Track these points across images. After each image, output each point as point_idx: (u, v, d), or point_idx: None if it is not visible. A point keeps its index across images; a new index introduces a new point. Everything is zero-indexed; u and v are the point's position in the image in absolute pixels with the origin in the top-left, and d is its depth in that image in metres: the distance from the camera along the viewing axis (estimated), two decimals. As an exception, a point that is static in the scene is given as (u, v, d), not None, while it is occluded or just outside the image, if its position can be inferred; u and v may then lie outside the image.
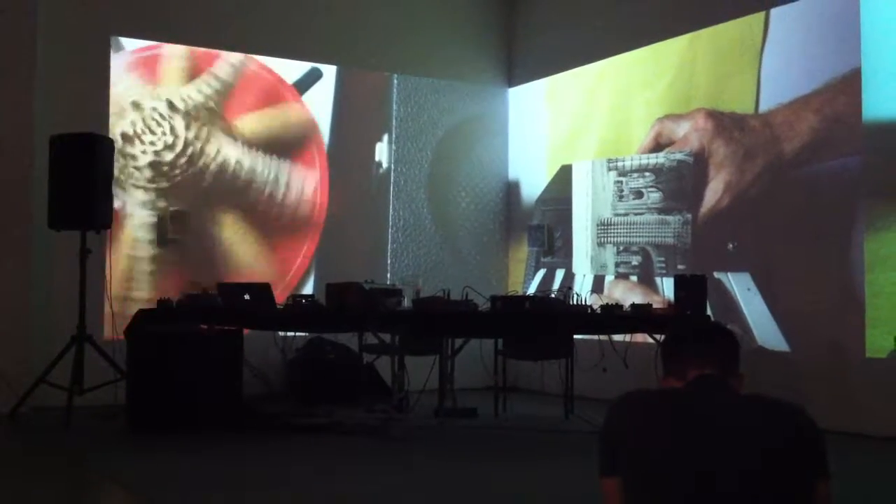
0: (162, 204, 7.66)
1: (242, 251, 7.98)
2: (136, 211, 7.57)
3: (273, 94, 8.21)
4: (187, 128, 7.78)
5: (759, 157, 6.79)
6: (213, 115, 7.90)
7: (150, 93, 7.68)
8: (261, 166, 8.09)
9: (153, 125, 7.66)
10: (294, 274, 8.20)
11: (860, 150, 6.13)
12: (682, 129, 7.41)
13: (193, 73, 7.88)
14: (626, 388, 2.23)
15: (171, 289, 7.19)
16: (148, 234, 7.61)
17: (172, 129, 7.72)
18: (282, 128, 8.23)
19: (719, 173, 7.08)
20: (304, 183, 8.30)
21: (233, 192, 7.97)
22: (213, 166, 7.88)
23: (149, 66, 7.70)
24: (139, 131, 7.60)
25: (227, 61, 7.99)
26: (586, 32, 8.43)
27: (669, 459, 2.02)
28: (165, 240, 7.66)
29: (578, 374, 6.77)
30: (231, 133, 7.97)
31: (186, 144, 7.77)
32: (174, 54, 7.81)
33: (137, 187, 7.57)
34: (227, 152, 7.94)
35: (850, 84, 6.18)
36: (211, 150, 7.87)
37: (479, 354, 7.07)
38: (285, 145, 8.23)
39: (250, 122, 8.07)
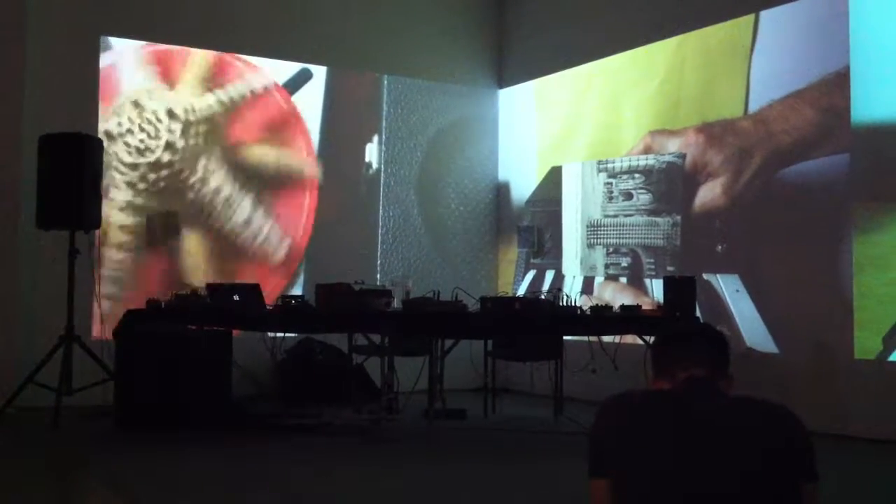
0: (152, 204, 7.64)
1: (231, 252, 7.96)
2: (125, 211, 7.54)
3: (283, 125, 8.24)
4: (183, 133, 7.75)
5: (748, 158, 6.80)
6: (214, 129, 7.90)
7: (158, 94, 7.67)
8: (252, 169, 8.08)
9: (148, 126, 7.63)
10: (284, 275, 8.19)
11: (848, 152, 6.15)
12: (672, 144, 7.42)
13: (209, 85, 7.89)
14: (616, 390, 2.23)
15: (160, 289, 7.17)
16: (137, 234, 7.59)
17: (170, 131, 7.69)
18: (281, 162, 8.24)
19: (709, 176, 7.10)
20: (294, 183, 8.28)
21: (224, 192, 7.94)
22: (204, 168, 7.86)
23: (165, 66, 7.73)
24: (133, 130, 7.57)
25: (247, 82, 8.05)
26: (576, 34, 8.44)
27: (668, 461, 2.01)
28: (155, 240, 7.64)
29: (568, 376, 6.77)
30: (228, 149, 7.98)
31: (180, 146, 7.74)
32: (195, 61, 7.83)
33: (128, 187, 7.55)
34: (220, 158, 7.92)
35: (839, 86, 6.20)
36: (204, 154, 7.85)
37: (468, 356, 7.07)
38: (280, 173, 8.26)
39: (252, 150, 8.09)
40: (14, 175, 6.82)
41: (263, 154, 8.13)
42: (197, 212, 7.83)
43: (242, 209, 8.01)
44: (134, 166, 7.58)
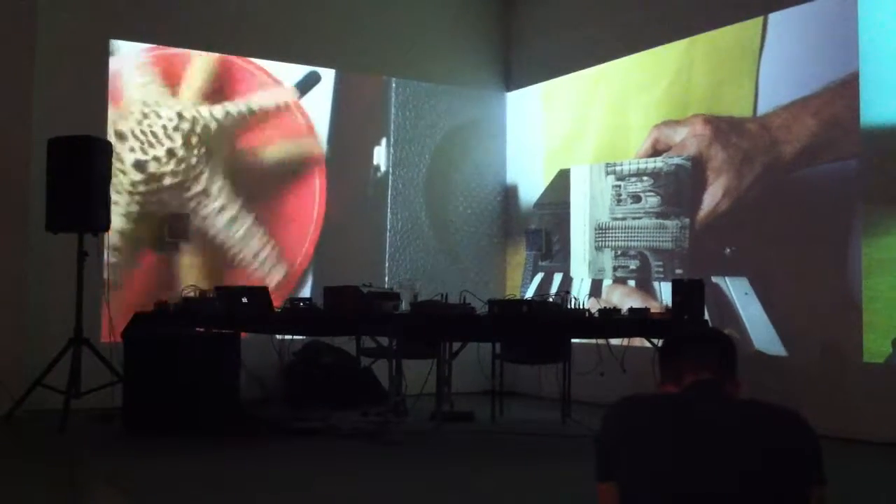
0: (161, 207, 7.65)
1: (240, 254, 7.98)
2: (136, 213, 7.56)
3: (292, 128, 8.28)
4: (194, 137, 7.77)
5: (756, 160, 6.80)
6: (225, 136, 7.94)
7: (168, 98, 7.71)
8: (261, 173, 8.10)
9: (159, 129, 7.65)
10: (292, 278, 8.20)
11: (857, 155, 6.13)
12: (679, 134, 7.42)
13: (219, 94, 7.95)
14: (624, 393, 2.23)
15: (169, 292, 7.18)
16: (146, 236, 7.60)
17: (177, 133, 7.71)
18: (288, 156, 8.29)
19: (717, 178, 7.09)
20: (303, 186, 8.30)
21: (232, 195, 7.96)
22: (213, 170, 7.88)
23: (171, 70, 7.78)
24: (143, 133, 7.59)
25: (262, 92, 8.11)
26: (584, 37, 8.43)
27: (669, 463, 2.02)
28: (164, 243, 7.66)
29: (575, 379, 6.76)
30: (237, 151, 8.01)
31: (189, 150, 7.76)
32: (200, 66, 7.88)
33: (136, 190, 7.56)
34: (228, 161, 7.94)
35: (847, 89, 6.19)
36: (212, 156, 7.87)
37: (476, 358, 7.07)
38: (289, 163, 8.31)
39: (261, 151, 8.14)
40: (23, 178, 6.84)
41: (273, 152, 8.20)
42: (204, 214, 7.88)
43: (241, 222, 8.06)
44: (143, 168, 7.59)
